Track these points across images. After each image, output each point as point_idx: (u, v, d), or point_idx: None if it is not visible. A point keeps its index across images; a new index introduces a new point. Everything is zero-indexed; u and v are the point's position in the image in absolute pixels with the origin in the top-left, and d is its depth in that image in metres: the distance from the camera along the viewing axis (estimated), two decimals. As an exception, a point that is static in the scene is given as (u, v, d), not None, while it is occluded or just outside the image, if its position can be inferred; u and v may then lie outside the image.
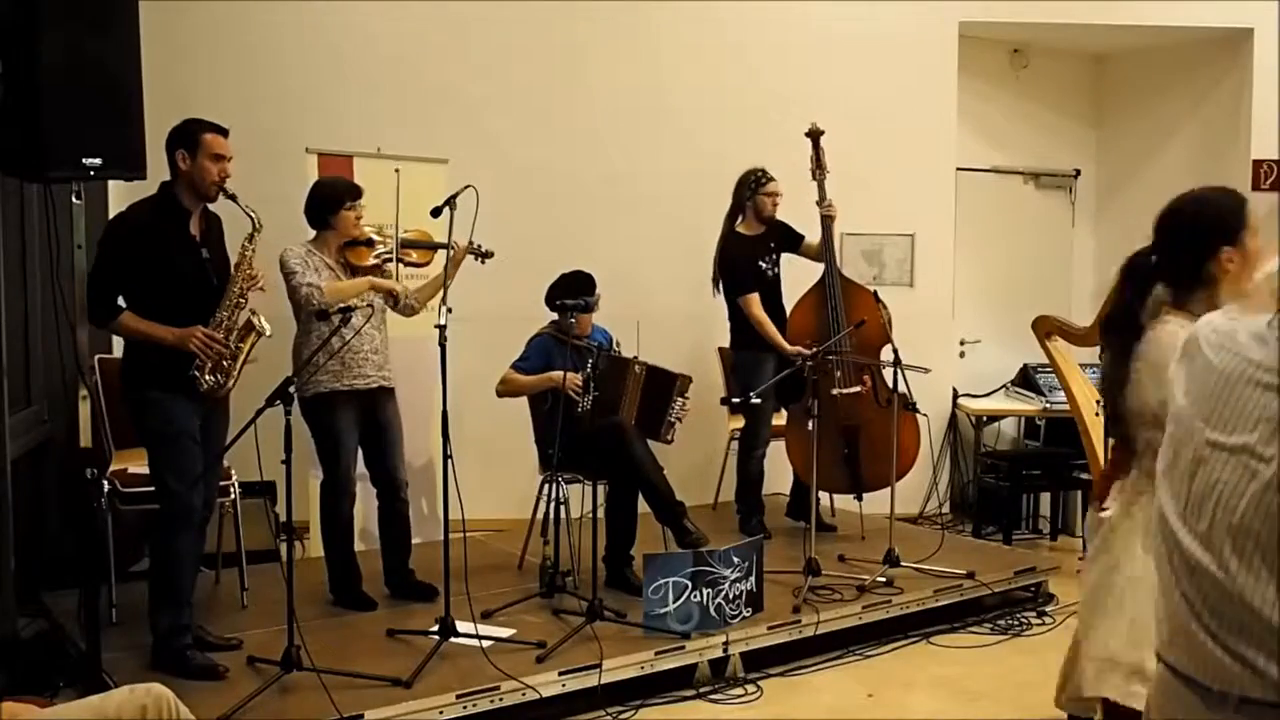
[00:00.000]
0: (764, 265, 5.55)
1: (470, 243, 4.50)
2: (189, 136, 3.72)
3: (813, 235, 5.60)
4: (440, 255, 4.49)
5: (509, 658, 3.85)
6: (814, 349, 4.91)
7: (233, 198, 3.76)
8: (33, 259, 4.38)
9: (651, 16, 6.36)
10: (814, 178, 5.52)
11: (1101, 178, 7.73)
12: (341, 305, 4.16)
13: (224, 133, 3.78)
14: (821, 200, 5.51)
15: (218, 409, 3.87)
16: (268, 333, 3.83)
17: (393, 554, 4.59)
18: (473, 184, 4.02)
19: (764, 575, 4.43)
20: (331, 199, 4.41)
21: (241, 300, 3.81)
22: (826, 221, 5.51)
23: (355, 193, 4.43)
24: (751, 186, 5.47)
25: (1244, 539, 1.46)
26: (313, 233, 4.49)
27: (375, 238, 4.47)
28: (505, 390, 4.82)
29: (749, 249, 5.52)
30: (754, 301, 5.46)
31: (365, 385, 4.41)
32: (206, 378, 3.72)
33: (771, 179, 5.48)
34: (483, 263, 4.59)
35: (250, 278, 3.83)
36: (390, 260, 4.51)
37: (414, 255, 4.49)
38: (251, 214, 3.80)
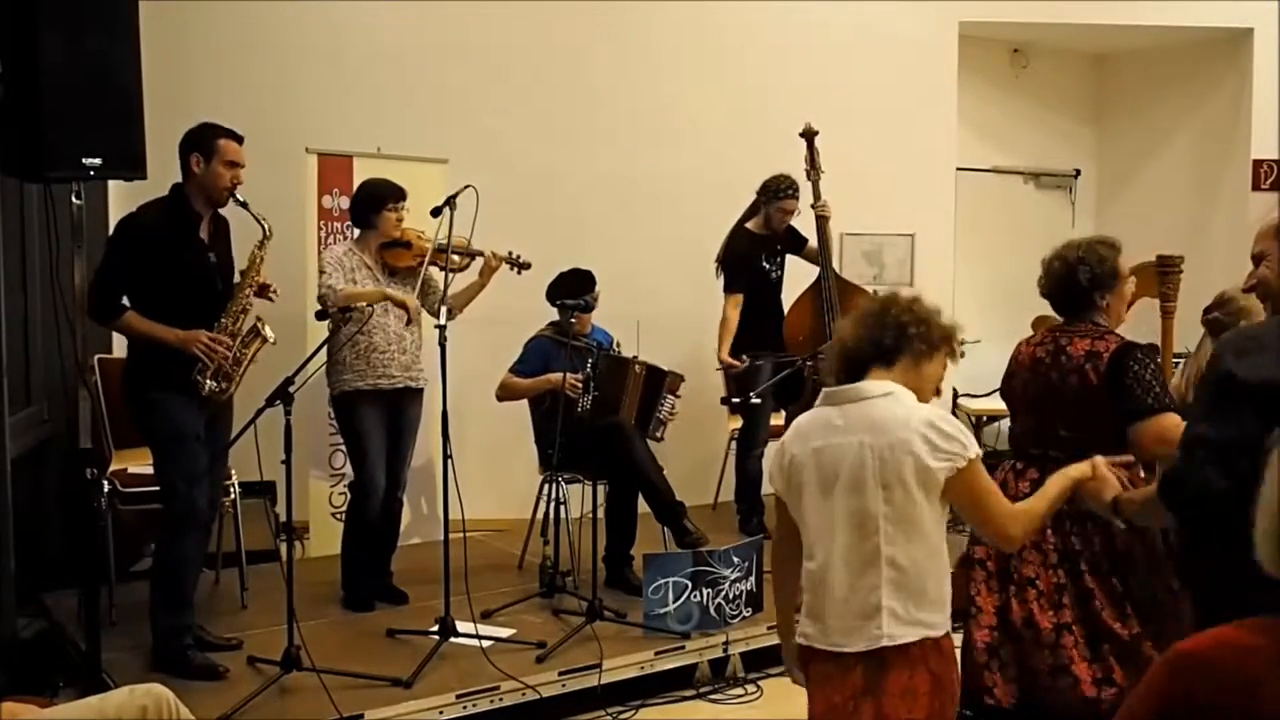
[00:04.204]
0: (767, 266, 5.55)
1: (509, 253, 4.52)
2: (204, 141, 3.73)
3: (814, 236, 5.60)
4: (477, 262, 4.50)
5: (509, 658, 3.85)
6: (746, 360, 4.93)
7: (244, 205, 3.77)
8: (33, 259, 4.38)
9: (651, 17, 6.35)
10: (808, 178, 5.52)
11: (1101, 178, 7.73)
12: (343, 306, 4.17)
13: (239, 139, 3.79)
14: (816, 200, 5.51)
15: (223, 409, 3.87)
16: (272, 340, 3.84)
17: (377, 553, 4.59)
18: (472, 184, 4.02)
19: (764, 575, 4.43)
20: (375, 199, 4.43)
21: (248, 306, 3.82)
22: (821, 221, 5.51)
23: (399, 195, 4.44)
24: (770, 194, 5.45)
25: None
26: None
27: (414, 241, 4.46)
28: (505, 395, 4.83)
29: (753, 248, 5.52)
30: (733, 303, 5.46)
31: (390, 385, 4.42)
32: (209, 382, 3.72)
33: (791, 195, 5.43)
34: (519, 273, 4.58)
35: (258, 285, 3.84)
36: (424, 264, 4.50)
37: (454, 260, 4.43)
38: (263, 222, 3.81)
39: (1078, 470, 2.35)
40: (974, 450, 2.21)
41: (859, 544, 2.23)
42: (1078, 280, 2.90)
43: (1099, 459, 2.34)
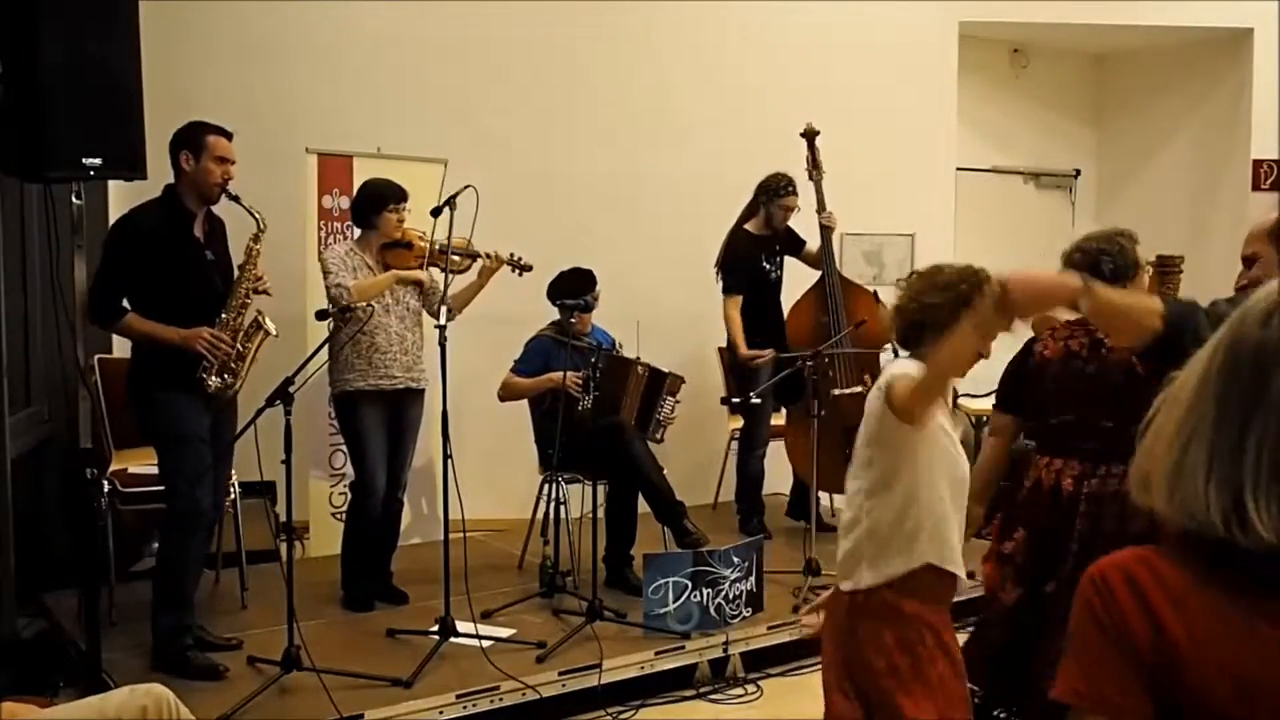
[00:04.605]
0: (767, 267, 5.54)
1: (510, 254, 4.52)
2: (193, 139, 3.74)
3: (813, 239, 5.60)
4: (477, 263, 4.50)
5: (509, 658, 3.85)
6: (771, 350, 4.96)
7: (236, 199, 3.78)
8: (33, 259, 4.38)
9: (651, 17, 6.35)
10: (810, 178, 5.51)
11: (1101, 178, 7.73)
12: (342, 306, 4.17)
13: (228, 135, 3.80)
14: (821, 209, 5.50)
15: (226, 409, 3.87)
16: (274, 333, 3.85)
17: (377, 553, 4.58)
18: (472, 184, 4.02)
19: (764, 575, 4.43)
20: (376, 200, 4.42)
21: (247, 301, 3.83)
22: (825, 232, 5.50)
23: (400, 196, 4.43)
24: (770, 193, 5.44)
25: None
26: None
27: (415, 242, 4.46)
28: (506, 394, 4.83)
29: (753, 249, 5.51)
30: (734, 303, 5.45)
31: (391, 386, 4.42)
32: (213, 379, 3.73)
33: (791, 192, 5.43)
34: (520, 274, 4.58)
35: (256, 278, 3.85)
36: (424, 265, 4.49)
37: (454, 261, 4.41)
38: (256, 214, 3.82)
39: (981, 308, 2.26)
40: (898, 376, 2.40)
41: (853, 499, 2.52)
42: (1101, 271, 2.91)
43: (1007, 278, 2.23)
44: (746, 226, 5.54)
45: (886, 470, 2.43)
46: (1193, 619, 1.08)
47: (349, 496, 4.60)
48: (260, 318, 3.84)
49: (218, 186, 3.76)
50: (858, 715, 2.43)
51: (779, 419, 5.68)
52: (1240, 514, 1.05)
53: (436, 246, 4.37)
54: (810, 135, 5.53)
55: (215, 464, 3.81)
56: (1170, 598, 1.09)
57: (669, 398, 4.95)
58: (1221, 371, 1.10)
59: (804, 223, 5.59)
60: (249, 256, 3.85)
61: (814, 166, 5.52)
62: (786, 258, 5.63)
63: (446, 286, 4.20)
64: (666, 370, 4.98)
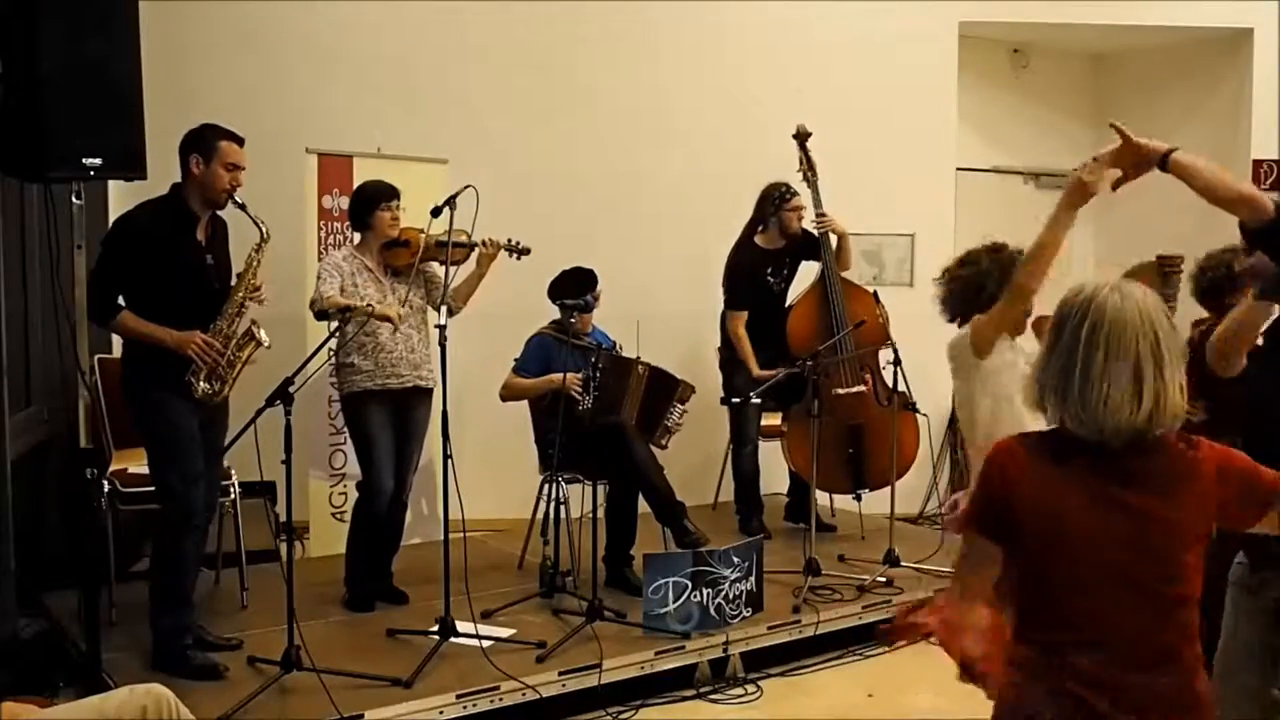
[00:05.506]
0: (772, 280, 5.52)
1: (508, 240, 4.50)
2: (205, 142, 3.72)
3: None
4: (476, 253, 4.47)
5: (509, 658, 3.85)
6: (781, 370, 4.99)
7: (242, 207, 3.76)
8: (33, 259, 4.38)
9: (651, 17, 6.35)
10: (804, 180, 5.50)
11: (1102, 178, 7.72)
12: (340, 308, 4.16)
13: (240, 141, 3.77)
14: (819, 210, 5.48)
15: (218, 411, 3.86)
16: (266, 344, 3.82)
17: (379, 553, 4.58)
18: (473, 184, 4.02)
19: (764, 575, 4.43)
20: (368, 202, 4.41)
21: (243, 308, 3.81)
22: (824, 237, 5.49)
23: (391, 194, 4.42)
24: (776, 203, 5.42)
25: None
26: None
27: (414, 239, 4.44)
28: (508, 395, 4.83)
29: (758, 261, 5.49)
30: (739, 319, 5.46)
31: (399, 385, 4.40)
32: (201, 384, 3.71)
33: (795, 194, 5.44)
34: (518, 259, 4.55)
35: (254, 288, 3.83)
36: (430, 260, 4.47)
37: (455, 254, 4.37)
38: (261, 224, 3.79)
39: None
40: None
41: None
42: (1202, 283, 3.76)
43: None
44: (756, 240, 5.52)
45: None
46: (1029, 478, 1.85)
47: (350, 496, 4.59)
48: (254, 328, 3.81)
49: (225, 193, 3.74)
50: None
51: (774, 419, 5.67)
52: (1042, 404, 1.90)
53: (433, 241, 4.35)
54: (801, 137, 5.50)
55: (207, 466, 3.81)
56: (1018, 465, 1.87)
57: (678, 405, 4.94)
58: (1052, 328, 1.92)
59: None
60: (249, 265, 3.83)
61: (808, 168, 5.50)
62: (800, 264, 5.60)
63: (448, 282, 4.19)
64: (680, 378, 4.97)
